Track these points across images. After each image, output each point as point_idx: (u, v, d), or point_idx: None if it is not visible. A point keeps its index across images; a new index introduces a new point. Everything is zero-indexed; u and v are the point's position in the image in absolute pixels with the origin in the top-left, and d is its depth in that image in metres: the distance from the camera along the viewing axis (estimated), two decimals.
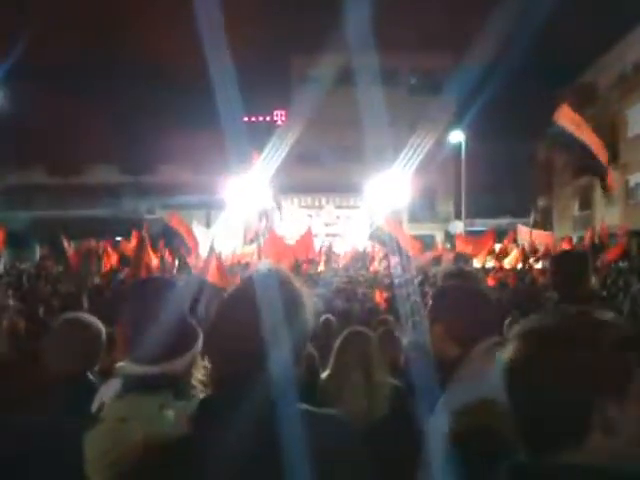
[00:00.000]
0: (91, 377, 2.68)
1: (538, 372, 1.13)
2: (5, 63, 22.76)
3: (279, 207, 36.24)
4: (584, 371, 1.10)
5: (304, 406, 1.52)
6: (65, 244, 13.42)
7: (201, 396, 2.12)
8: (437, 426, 1.86)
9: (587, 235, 17.95)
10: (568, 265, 3.28)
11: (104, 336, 2.75)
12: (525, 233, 19.01)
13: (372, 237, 17.05)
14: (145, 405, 1.98)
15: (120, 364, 2.11)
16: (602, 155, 11.20)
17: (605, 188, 11.14)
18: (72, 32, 34.19)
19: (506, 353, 1.21)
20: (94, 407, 2.26)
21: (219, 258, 6.28)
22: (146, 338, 2.01)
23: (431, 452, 1.79)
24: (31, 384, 2.45)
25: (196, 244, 14.02)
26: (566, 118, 11.99)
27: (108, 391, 2.20)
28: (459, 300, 2.18)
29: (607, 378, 1.09)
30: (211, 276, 6.56)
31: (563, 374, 1.11)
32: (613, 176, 12.25)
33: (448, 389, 1.98)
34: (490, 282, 10.45)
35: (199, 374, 2.17)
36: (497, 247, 17.29)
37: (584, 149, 11.49)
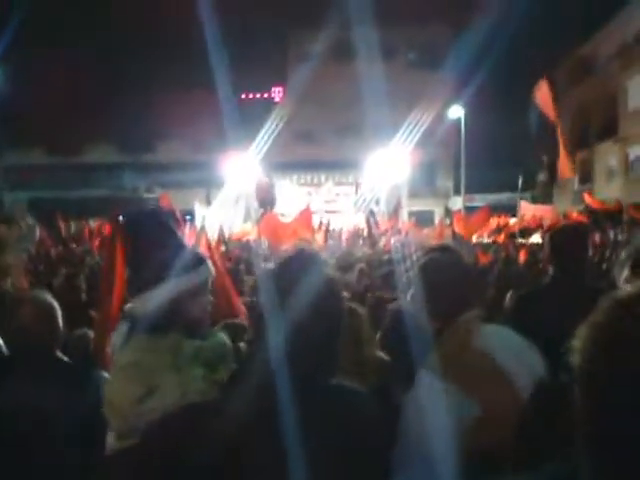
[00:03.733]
0: (58, 354, 2.71)
1: None
2: (1, 44, 22.57)
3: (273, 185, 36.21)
4: None
5: (335, 380, 1.56)
6: (62, 225, 13.43)
7: (219, 336, 2.21)
8: (414, 399, 1.91)
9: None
10: (565, 239, 3.28)
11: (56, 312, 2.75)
12: (526, 208, 19.02)
13: (369, 211, 17.08)
14: (154, 348, 2.03)
15: (128, 305, 2.18)
16: (562, 141, 11.21)
17: (553, 177, 11.14)
18: (69, 11, 33.83)
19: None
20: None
21: (207, 237, 6.26)
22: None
23: (406, 425, 1.84)
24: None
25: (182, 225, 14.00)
26: (542, 95, 11.94)
27: (119, 335, 2.26)
28: (436, 275, 2.18)
29: None
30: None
31: None
32: (567, 165, 12.25)
33: (426, 363, 2.02)
34: (484, 259, 10.46)
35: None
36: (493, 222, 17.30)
37: (546, 130, 11.44)
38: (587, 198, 14.59)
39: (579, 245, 3.30)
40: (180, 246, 2.29)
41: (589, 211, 12.96)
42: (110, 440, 2.03)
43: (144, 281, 2.13)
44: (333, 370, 1.55)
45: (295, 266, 1.56)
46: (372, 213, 15.26)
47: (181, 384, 1.96)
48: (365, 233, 19.95)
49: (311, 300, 1.48)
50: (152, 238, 2.27)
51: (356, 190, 35.79)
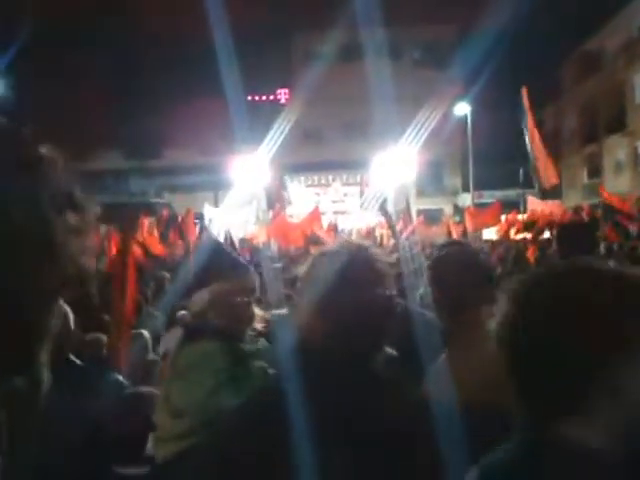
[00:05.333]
0: (71, 357, 2.73)
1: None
2: (8, 53, 22.75)
3: (285, 187, 36.23)
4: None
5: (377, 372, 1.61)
6: None
7: (259, 342, 2.28)
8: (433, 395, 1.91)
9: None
10: (574, 234, 3.29)
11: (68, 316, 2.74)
12: (534, 203, 18.89)
13: (381, 209, 17.01)
14: (211, 353, 2.09)
15: (182, 313, 2.25)
16: (544, 149, 11.50)
17: (541, 185, 11.49)
18: (73, 18, 34.03)
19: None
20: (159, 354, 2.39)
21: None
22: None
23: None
24: None
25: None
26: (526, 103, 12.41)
27: (171, 340, 2.32)
28: (444, 271, 2.19)
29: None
30: None
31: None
32: (551, 172, 12.36)
33: (439, 359, 2.03)
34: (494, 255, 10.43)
35: (258, 325, 2.32)
36: (504, 218, 17.22)
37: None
38: (604, 193, 14.46)
39: (587, 240, 3.31)
40: (220, 253, 2.34)
41: (606, 206, 12.87)
42: (156, 447, 2.08)
43: (189, 287, 2.22)
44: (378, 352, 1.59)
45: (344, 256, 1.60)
46: (385, 211, 15.21)
47: (247, 377, 2.03)
48: (377, 233, 19.91)
49: (357, 285, 1.53)
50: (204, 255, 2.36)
51: (361, 190, 35.66)
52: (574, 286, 1.07)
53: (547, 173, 12.27)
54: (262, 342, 2.37)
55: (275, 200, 19.27)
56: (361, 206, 31.62)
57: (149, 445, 2.24)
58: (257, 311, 2.33)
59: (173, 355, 2.22)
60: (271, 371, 2.09)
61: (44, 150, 0.71)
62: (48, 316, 0.68)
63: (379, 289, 1.60)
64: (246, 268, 2.35)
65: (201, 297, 2.20)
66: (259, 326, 2.37)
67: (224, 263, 2.26)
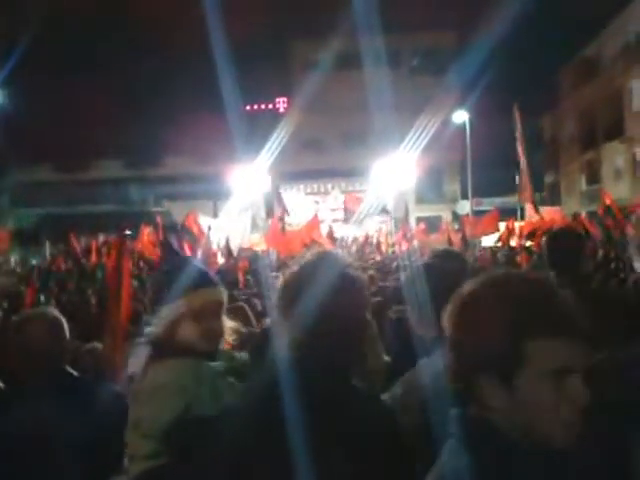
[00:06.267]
0: (67, 368, 2.71)
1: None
2: (7, 64, 22.81)
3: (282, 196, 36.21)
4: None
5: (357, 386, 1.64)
6: (74, 241, 13.53)
7: (233, 355, 2.25)
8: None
9: (600, 210, 17.71)
10: (564, 243, 3.30)
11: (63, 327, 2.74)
12: (533, 210, 18.88)
13: (383, 212, 17.07)
14: (183, 370, 2.06)
15: (148, 329, 2.20)
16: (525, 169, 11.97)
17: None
18: (73, 29, 34.18)
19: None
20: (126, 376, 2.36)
21: (217, 253, 6.32)
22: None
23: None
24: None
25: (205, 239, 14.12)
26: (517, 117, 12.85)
27: (137, 359, 2.27)
28: (429, 282, 2.17)
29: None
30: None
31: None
32: (527, 194, 12.77)
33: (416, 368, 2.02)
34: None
35: (230, 338, 2.29)
36: (502, 226, 17.23)
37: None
38: (607, 199, 14.39)
39: (575, 247, 3.32)
40: (190, 269, 2.28)
41: (609, 213, 12.87)
42: (130, 464, 2.07)
43: (155, 302, 2.18)
44: (356, 366, 1.61)
45: (320, 267, 1.61)
46: (387, 212, 15.25)
47: (213, 396, 2.00)
48: (375, 240, 19.90)
49: (335, 298, 1.53)
50: (168, 267, 2.30)
51: (345, 210, 35.54)
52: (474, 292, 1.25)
53: (525, 193, 12.82)
54: (237, 356, 2.33)
55: (278, 205, 19.24)
56: (345, 221, 30.68)
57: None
58: (229, 324, 2.30)
59: (140, 374, 2.16)
60: (242, 386, 2.06)
61: None
62: None
63: (355, 307, 1.63)
64: (213, 281, 2.30)
65: (168, 312, 2.14)
66: (230, 339, 2.32)
67: (191, 276, 2.20)
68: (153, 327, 2.17)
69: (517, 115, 13.14)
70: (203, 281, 2.23)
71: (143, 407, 2.04)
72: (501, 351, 1.14)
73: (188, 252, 15.80)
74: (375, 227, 26.19)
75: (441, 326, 2.05)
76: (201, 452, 1.68)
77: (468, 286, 1.25)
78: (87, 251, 14.49)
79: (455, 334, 1.25)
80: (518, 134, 12.86)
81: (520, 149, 12.60)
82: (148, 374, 2.10)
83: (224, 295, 2.27)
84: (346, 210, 26.39)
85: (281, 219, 14.68)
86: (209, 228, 13.73)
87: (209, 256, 8.82)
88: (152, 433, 1.98)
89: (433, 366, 1.87)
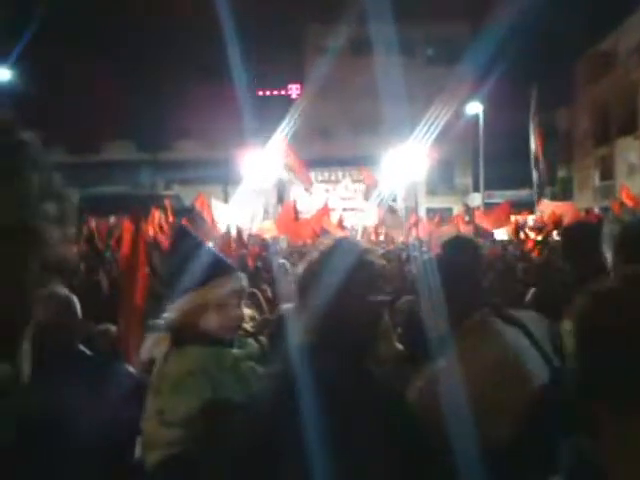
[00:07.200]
0: (80, 348, 2.73)
1: None
2: (19, 45, 22.82)
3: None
4: None
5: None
6: (92, 222, 13.58)
7: (247, 341, 2.25)
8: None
9: (614, 205, 17.57)
10: (579, 236, 3.28)
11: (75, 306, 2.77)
12: (545, 205, 18.79)
13: (390, 209, 17.04)
14: (206, 357, 2.06)
15: (164, 316, 2.19)
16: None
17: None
18: (86, 10, 34.09)
19: None
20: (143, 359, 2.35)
21: (230, 239, 6.32)
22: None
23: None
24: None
25: (214, 222, 14.16)
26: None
27: (155, 345, 2.26)
28: (440, 275, 2.14)
29: None
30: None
31: None
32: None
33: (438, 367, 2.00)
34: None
35: (248, 325, 2.29)
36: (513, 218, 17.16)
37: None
38: (625, 195, 14.07)
39: (591, 241, 3.30)
40: (208, 256, 2.26)
41: (626, 209, 12.75)
42: (147, 452, 2.07)
43: (177, 291, 2.16)
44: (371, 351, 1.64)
45: (338, 252, 1.62)
46: (394, 209, 15.27)
47: (237, 381, 2.00)
48: (383, 229, 19.87)
49: (351, 283, 1.55)
50: (184, 254, 2.25)
51: (367, 185, 35.51)
52: None
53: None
54: (250, 342, 2.33)
55: (302, 180, 19.21)
56: (365, 199, 31.24)
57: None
58: (246, 311, 2.29)
59: (161, 363, 2.16)
60: (261, 370, 2.07)
61: (27, 136, 0.70)
62: (30, 304, 0.67)
63: (371, 294, 1.65)
64: (232, 268, 2.29)
65: (188, 300, 2.13)
66: (248, 326, 2.32)
67: (209, 263, 2.19)
68: (171, 314, 2.16)
69: (533, 101, 12.78)
70: (223, 269, 2.22)
71: (167, 395, 2.04)
72: None
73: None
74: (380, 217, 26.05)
75: (452, 321, 2.05)
76: (229, 437, 1.69)
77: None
78: (98, 233, 14.53)
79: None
80: (534, 125, 12.59)
81: (538, 140, 12.32)
82: (169, 362, 2.09)
83: (244, 281, 2.26)
84: (367, 186, 26.40)
85: (295, 207, 14.69)
86: (217, 211, 13.76)
87: (223, 241, 8.80)
88: (176, 421, 1.98)
89: (450, 374, 1.87)
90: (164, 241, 11.69)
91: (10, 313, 0.61)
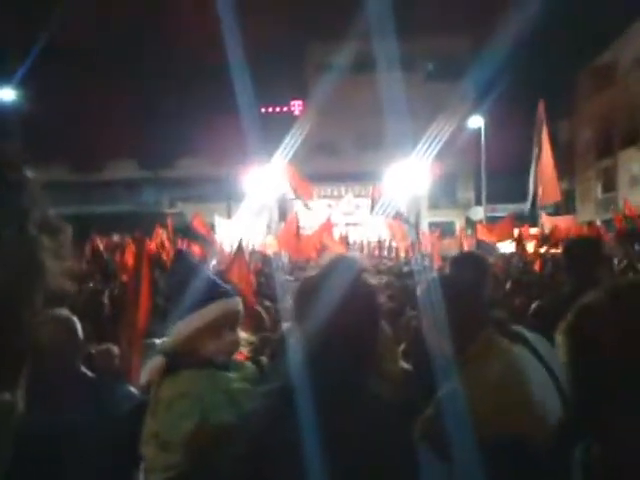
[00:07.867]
0: (82, 369, 2.71)
1: None
2: (23, 64, 23.02)
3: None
4: None
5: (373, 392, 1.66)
6: (98, 241, 13.60)
7: (243, 364, 2.25)
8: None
9: (617, 218, 17.53)
10: (580, 250, 3.30)
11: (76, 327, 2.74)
12: (547, 219, 18.77)
13: (397, 215, 17.07)
14: (199, 380, 2.06)
15: (161, 340, 2.19)
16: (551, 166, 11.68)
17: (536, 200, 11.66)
18: (88, 30, 34.44)
19: None
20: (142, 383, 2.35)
21: (243, 259, 6.28)
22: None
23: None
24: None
25: (213, 241, 14.19)
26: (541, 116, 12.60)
27: (147, 369, 2.25)
28: (443, 295, 2.10)
29: None
30: (232, 275, 6.49)
31: None
32: (553, 189, 12.37)
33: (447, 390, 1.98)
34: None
35: (245, 350, 2.28)
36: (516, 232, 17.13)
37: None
38: (628, 209, 14.01)
39: (593, 255, 3.31)
40: (204, 280, 2.25)
41: (630, 222, 12.68)
42: (147, 476, 2.06)
43: (173, 315, 2.16)
44: (372, 372, 1.62)
45: (335, 272, 1.61)
46: (402, 215, 15.31)
47: (230, 402, 2.00)
48: (387, 244, 19.85)
49: (348, 303, 1.54)
50: (181, 278, 2.26)
51: (373, 198, 35.51)
52: None
53: (548, 189, 12.35)
54: (248, 364, 2.31)
55: (301, 195, 19.25)
56: (371, 212, 31.37)
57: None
58: (242, 334, 2.28)
59: (155, 386, 2.15)
60: (257, 390, 2.05)
61: (27, 171, 0.71)
62: (31, 334, 0.67)
63: (369, 312, 1.65)
64: (229, 292, 2.28)
65: (183, 327, 2.12)
66: (245, 350, 2.31)
67: (205, 288, 2.18)
68: (167, 338, 2.16)
69: (541, 114, 12.78)
70: (218, 293, 2.21)
71: (161, 418, 2.03)
72: None
73: (199, 255, 15.89)
74: (386, 230, 26.07)
75: (458, 343, 2.03)
76: (221, 458, 1.68)
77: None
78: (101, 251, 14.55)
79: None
80: (544, 134, 12.47)
81: (546, 150, 12.22)
82: (164, 386, 2.09)
83: (240, 305, 2.26)
84: (373, 199, 26.47)
85: (297, 222, 14.70)
86: (220, 227, 13.77)
87: (224, 260, 8.79)
88: (171, 442, 1.97)
89: (455, 403, 1.85)
90: (166, 259, 11.70)
91: (9, 345, 0.61)
